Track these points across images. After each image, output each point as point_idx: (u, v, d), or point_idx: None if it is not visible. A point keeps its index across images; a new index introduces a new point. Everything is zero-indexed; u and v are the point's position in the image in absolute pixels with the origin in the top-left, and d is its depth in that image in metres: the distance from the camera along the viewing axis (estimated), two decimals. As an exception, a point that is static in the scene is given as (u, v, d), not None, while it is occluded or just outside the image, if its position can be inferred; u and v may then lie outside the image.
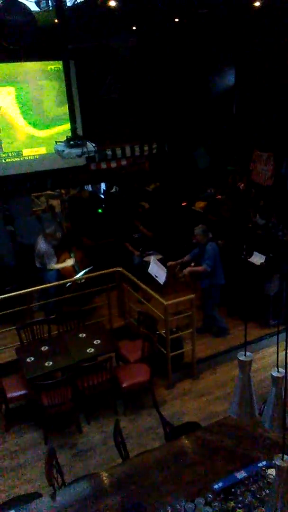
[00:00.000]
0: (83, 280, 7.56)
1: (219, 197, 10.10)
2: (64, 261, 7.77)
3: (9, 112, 8.29)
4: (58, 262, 7.73)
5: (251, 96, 9.04)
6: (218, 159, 10.49)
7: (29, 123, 8.49)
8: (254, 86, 8.89)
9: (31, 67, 8.29)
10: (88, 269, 7.67)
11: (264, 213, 8.65)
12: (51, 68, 8.37)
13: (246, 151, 9.36)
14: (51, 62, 8.30)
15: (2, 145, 8.32)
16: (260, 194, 9.14)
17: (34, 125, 8.54)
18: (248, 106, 9.22)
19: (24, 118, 8.44)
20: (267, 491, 3.38)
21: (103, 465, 5.11)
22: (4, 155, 8.35)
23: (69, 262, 7.67)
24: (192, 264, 7.15)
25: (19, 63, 8.10)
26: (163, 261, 7.60)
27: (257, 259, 7.53)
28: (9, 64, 8.06)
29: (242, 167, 9.60)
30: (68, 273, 7.68)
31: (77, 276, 7.59)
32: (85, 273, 7.58)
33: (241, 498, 3.38)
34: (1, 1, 5.27)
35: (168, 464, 3.86)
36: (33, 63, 8.24)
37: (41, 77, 8.38)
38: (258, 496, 3.38)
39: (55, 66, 8.31)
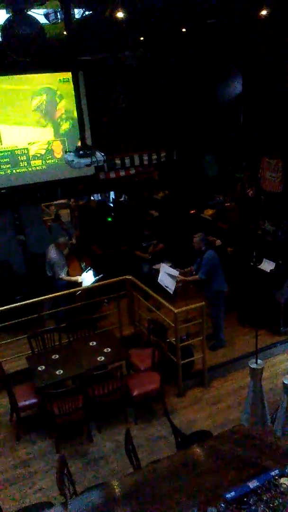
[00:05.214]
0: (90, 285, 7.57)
1: (228, 204, 10.11)
2: (74, 272, 7.82)
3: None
4: (68, 271, 7.78)
5: (259, 104, 9.07)
6: (227, 167, 10.51)
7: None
8: (261, 94, 8.92)
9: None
10: (98, 277, 7.70)
11: (273, 219, 8.64)
12: (60, 80, 8.49)
13: (255, 158, 9.37)
14: (61, 73, 8.42)
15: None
16: (269, 201, 9.13)
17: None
18: (256, 114, 9.25)
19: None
20: (280, 500, 3.34)
21: (114, 474, 5.09)
22: (14, 166, 8.45)
23: (79, 278, 7.68)
24: (193, 272, 7.14)
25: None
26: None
27: (267, 266, 7.50)
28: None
29: (251, 174, 9.61)
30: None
31: (87, 284, 7.61)
32: (95, 281, 7.61)
33: (253, 508, 3.34)
34: (10, 14, 5.35)
35: (180, 473, 3.83)
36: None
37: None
38: (270, 505, 3.34)
39: (64, 77, 8.43)
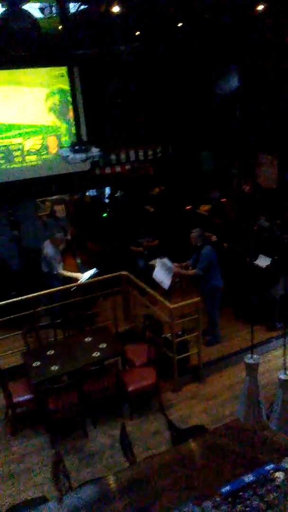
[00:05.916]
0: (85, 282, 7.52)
1: (223, 200, 10.10)
2: (68, 268, 7.78)
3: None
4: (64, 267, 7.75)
5: (255, 100, 9.05)
6: (223, 162, 10.50)
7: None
8: (258, 89, 8.90)
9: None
10: (93, 273, 7.67)
11: (269, 215, 8.64)
12: (55, 75, 8.45)
13: (251, 154, 9.36)
14: (56, 68, 8.38)
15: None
16: (266, 197, 9.13)
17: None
18: (252, 109, 9.23)
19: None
20: (275, 495, 3.36)
21: (110, 469, 5.09)
22: (8, 161, 8.40)
23: (79, 275, 7.64)
24: (190, 267, 7.14)
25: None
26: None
27: (263, 261, 7.51)
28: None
29: (246, 170, 9.60)
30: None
31: (83, 279, 7.59)
32: (90, 277, 7.58)
33: (248, 502, 3.36)
34: (5, 8, 5.31)
35: (175, 468, 3.84)
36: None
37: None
38: (266, 499, 3.36)
39: (59, 72, 8.38)
